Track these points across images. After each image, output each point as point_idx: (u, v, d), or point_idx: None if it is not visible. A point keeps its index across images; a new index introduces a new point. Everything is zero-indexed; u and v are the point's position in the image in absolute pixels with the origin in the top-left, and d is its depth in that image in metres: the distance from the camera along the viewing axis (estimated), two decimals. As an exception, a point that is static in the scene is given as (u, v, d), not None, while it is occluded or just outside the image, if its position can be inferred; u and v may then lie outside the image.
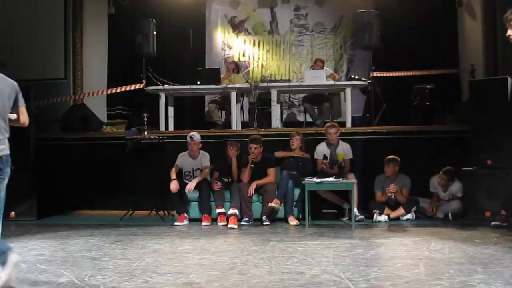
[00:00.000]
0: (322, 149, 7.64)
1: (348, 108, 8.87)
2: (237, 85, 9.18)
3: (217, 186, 7.40)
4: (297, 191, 7.30)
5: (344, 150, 7.60)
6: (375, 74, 9.20)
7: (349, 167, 7.57)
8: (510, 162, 6.56)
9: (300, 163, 7.60)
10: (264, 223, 7.08)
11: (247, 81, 9.50)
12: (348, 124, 8.76)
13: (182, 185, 7.40)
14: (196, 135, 7.56)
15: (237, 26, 11.91)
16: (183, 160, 7.63)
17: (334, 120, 8.92)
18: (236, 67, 10.00)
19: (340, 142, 7.69)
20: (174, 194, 7.30)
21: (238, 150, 7.64)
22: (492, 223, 6.50)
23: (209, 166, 7.58)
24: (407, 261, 4.61)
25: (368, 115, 9.24)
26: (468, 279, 3.91)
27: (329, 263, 4.55)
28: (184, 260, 4.76)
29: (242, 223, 7.11)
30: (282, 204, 7.19)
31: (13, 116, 3.99)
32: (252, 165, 7.36)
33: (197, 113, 11.04)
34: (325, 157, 7.51)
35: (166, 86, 9.09)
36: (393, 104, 9.10)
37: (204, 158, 7.61)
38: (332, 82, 9.04)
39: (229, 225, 6.98)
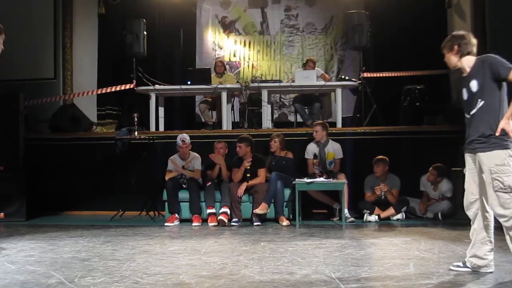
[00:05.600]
0: (312, 148, 7.66)
1: (339, 108, 8.91)
2: (228, 85, 9.17)
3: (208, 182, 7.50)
4: (287, 192, 7.31)
5: (334, 149, 7.62)
6: (365, 74, 9.23)
7: (339, 167, 7.59)
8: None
9: (284, 162, 7.63)
10: (255, 224, 7.08)
11: (237, 82, 9.50)
12: (339, 124, 8.79)
13: (177, 185, 7.42)
14: (186, 137, 7.57)
15: (227, 26, 11.91)
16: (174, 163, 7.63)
17: (325, 121, 8.93)
18: (224, 68, 9.96)
19: (330, 141, 7.71)
20: (169, 192, 7.34)
21: (225, 150, 7.70)
22: None
23: (200, 170, 7.60)
24: (397, 261, 4.63)
25: (358, 115, 9.26)
26: (457, 279, 3.93)
27: (319, 263, 4.55)
28: (174, 260, 4.75)
29: (232, 223, 7.12)
30: (272, 204, 7.20)
31: None
32: (249, 175, 7.38)
33: (188, 113, 11.04)
34: (315, 156, 7.53)
35: (157, 86, 9.07)
36: (383, 104, 9.12)
37: (196, 161, 7.62)
38: (322, 83, 9.06)
39: (220, 218, 7.03)
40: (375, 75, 9.50)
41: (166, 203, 7.48)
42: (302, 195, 7.08)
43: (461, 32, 4.26)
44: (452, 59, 4.22)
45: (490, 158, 3.96)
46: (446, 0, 9.50)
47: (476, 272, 4.09)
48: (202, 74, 9.31)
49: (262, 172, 7.42)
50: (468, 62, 4.13)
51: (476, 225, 4.11)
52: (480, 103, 4.04)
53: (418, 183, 7.66)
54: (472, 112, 4.11)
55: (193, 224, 7.18)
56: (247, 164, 7.42)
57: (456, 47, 4.16)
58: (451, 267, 4.24)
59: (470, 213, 4.18)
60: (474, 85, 4.06)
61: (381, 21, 9.92)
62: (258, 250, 5.25)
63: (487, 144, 3.98)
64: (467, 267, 4.16)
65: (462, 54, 4.15)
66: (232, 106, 9.71)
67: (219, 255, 4.97)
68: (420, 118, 8.71)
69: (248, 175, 7.39)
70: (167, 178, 7.49)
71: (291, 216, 7.33)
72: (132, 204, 7.94)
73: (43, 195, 8.17)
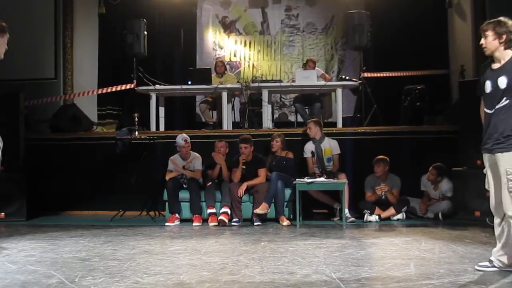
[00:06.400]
0: (309, 147, 7.68)
1: (339, 108, 8.91)
2: (228, 85, 9.17)
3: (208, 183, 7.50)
4: (287, 191, 7.31)
5: (331, 145, 7.63)
6: (365, 74, 9.23)
7: (338, 164, 7.59)
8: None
9: (284, 162, 7.63)
10: (255, 224, 7.08)
11: (238, 81, 9.50)
12: (339, 124, 8.79)
13: (177, 185, 7.42)
14: (187, 137, 7.57)
15: (228, 26, 11.91)
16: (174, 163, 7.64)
17: (325, 121, 8.94)
18: (225, 68, 9.98)
19: (327, 138, 7.72)
20: (170, 192, 7.34)
21: (226, 149, 7.70)
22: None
23: (201, 170, 7.60)
24: (397, 261, 4.63)
25: (358, 115, 9.27)
26: (458, 279, 3.93)
27: (320, 263, 4.55)
28: (175, 260, 4.75)
29: (232, 223, 7.12)
30: (273, 204, 7.20)
31: None
32: (244, 166, 7.37)
33: (188, 113, 11.04)
34: (313, 153, 7.54)
35: (157, 86, 9.07)
36: (383, 104, 9.13)
37: (197, 161, 7.63)
38: (322, 83, 9.06)
39: (220, 217, 7.03)
40: (375, 75, 9.50)
41: (167, 203, 7.48)
42: (303, 195, 7.08)
43: (511, 21, 4.01)
44: (494, 46, 4.00)
45: (507, 159, 3.89)
46: (447, 0, 9.51)
47: (476, 272, 4.10)
48: (202, 74, 9.32)
49: (262, 172, 7.42)
50: (507, 55, 3.98)
51: (507, 225, 4.01)
52: (505, 102, 3.94)
53: (418, 183, 7.65)
54: (493, 109, 4.00)
55: (194, 224, 7.18)
56: (242, 159, 7.38)
57: (505, 36, 3.95)
58: (477, 267, 4.17)
59: (498, 213, 4.09)
60: (503, 81, 3.94)
61: (381, 21, 9.92)
62: (258, 250, 5.25)
63: (505, 144, 3.90)
64: (495, 267, 4.12)
65: (508, 46, 3.96)
66: (233, 106, 9.72)
67: (219, 255, 4.97)
68: (420, 118, 8.71)
69: (244, 167, 7.36)
70: (167, 178, 7.49)
71: (291, 216, 7.32)
72: (132, 204, 7.94)
73: (43, 195, 8.17)
